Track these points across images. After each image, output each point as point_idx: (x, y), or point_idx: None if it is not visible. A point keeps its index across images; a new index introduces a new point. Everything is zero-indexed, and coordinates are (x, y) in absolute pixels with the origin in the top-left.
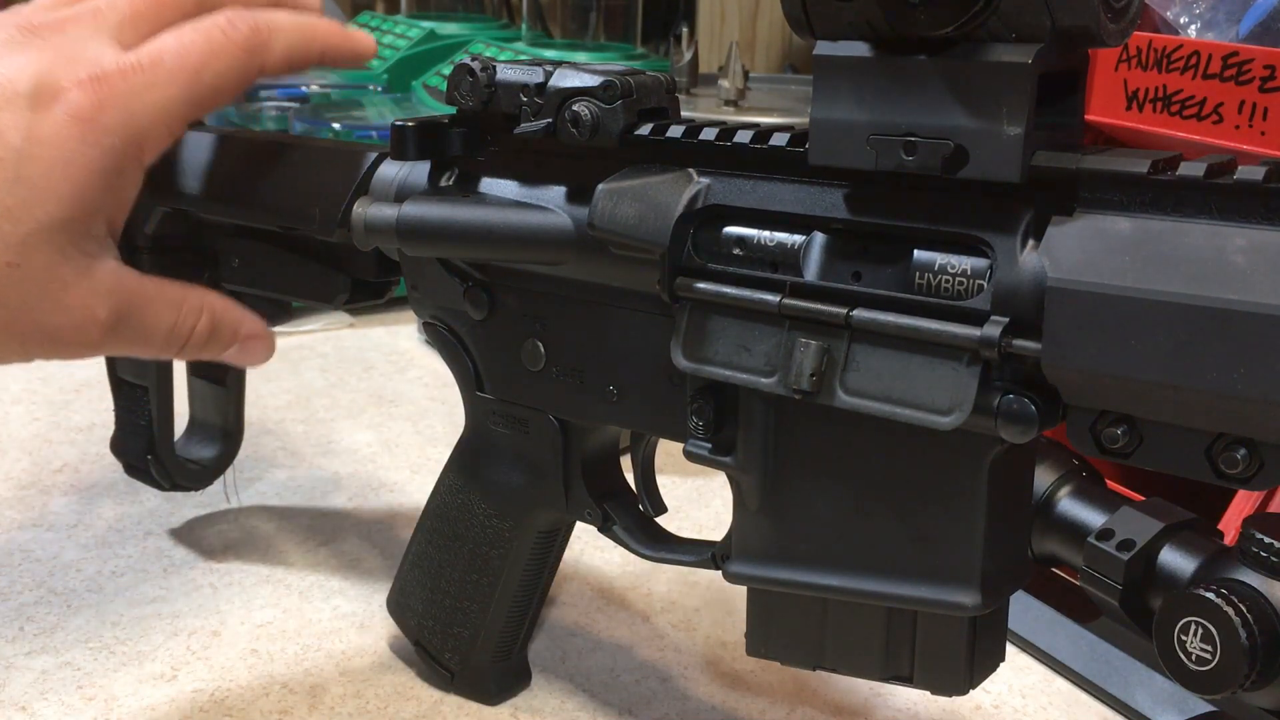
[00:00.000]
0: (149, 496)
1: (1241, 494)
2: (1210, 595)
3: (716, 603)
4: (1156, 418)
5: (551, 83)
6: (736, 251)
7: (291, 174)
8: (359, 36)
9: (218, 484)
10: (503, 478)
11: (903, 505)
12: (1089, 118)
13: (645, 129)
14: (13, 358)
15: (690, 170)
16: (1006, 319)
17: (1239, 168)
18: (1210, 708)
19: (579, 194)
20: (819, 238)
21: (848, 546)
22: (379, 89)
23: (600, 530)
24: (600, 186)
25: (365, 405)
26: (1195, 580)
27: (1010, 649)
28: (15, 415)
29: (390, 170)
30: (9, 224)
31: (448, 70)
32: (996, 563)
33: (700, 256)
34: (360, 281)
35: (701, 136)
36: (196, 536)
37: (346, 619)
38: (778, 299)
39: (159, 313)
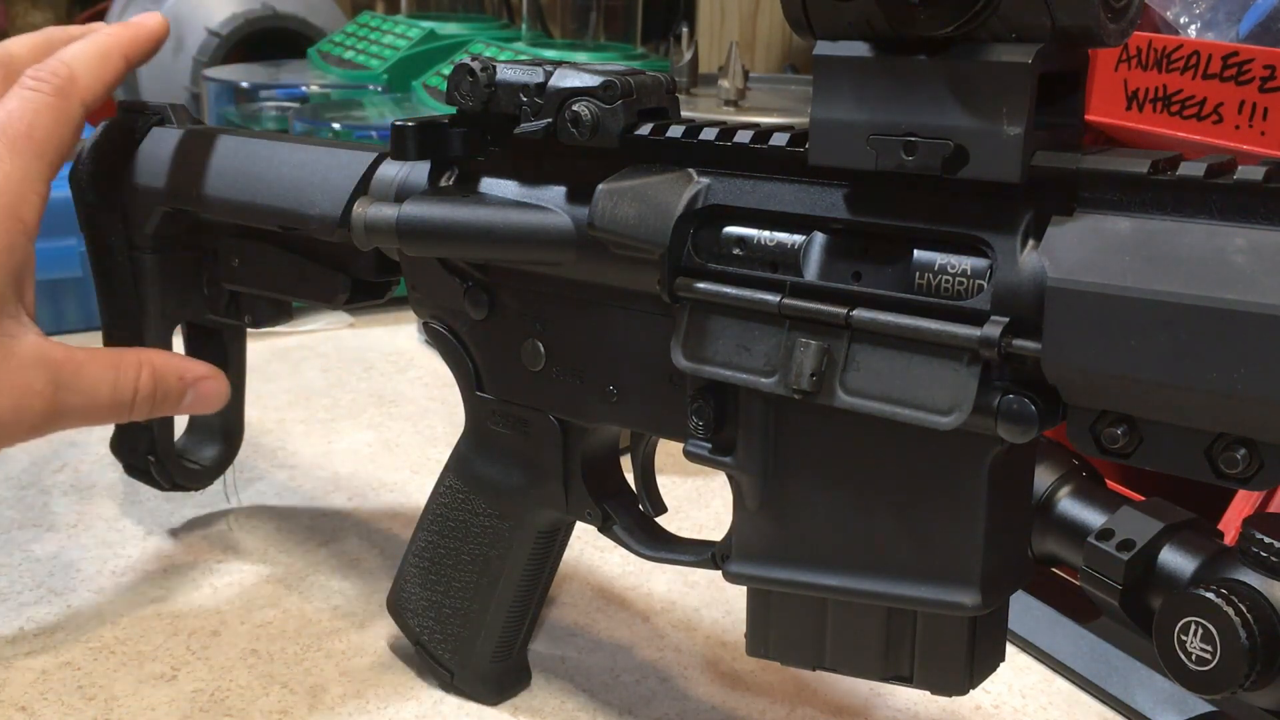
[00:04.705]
0: (149, 496)
1: (1241, 494)
2: (1210, 595)
3: (716, 603)
4: (1156, 418)
5: (551, 83)
6: (736, 251)
7: (291, 174)
8: (144, 23)
9: (218, 484)
10: (503, 478)
11: (903, 505)
12: (1089, 118)
13: (645, 129)
14: None
15: (690, 170)
16: (1006, 319)
17: (1239, 168)
18: (1210, 708)
19: (579, 194)
20: (819, 238)
21: (848, 546)
22: (379, 89)
23: (600, 530)
24: (600, 186)
25: (365, 405)
26: (1195, 580)
27: (1010, 649)
28: None
29: (390, 170)
30: None
31: (448, 70)
32: (996, 563)
33: (700, 256)
34: (360, 281)
35: (701, 136)
36: (196, 536)
37: (346, 619)
38: (778, 299)
39: (96, 374)
